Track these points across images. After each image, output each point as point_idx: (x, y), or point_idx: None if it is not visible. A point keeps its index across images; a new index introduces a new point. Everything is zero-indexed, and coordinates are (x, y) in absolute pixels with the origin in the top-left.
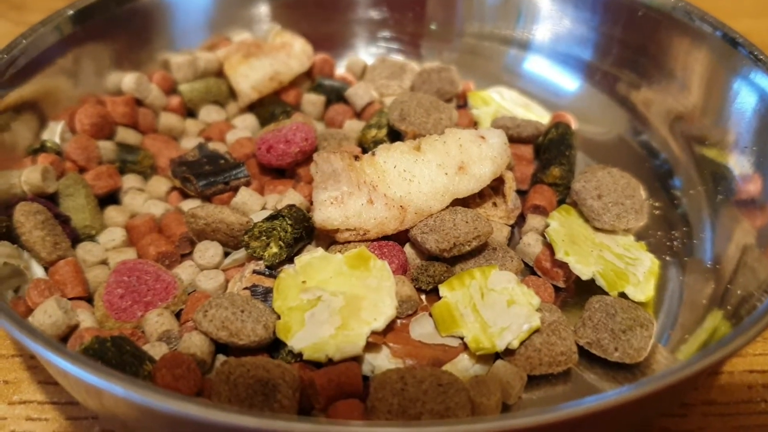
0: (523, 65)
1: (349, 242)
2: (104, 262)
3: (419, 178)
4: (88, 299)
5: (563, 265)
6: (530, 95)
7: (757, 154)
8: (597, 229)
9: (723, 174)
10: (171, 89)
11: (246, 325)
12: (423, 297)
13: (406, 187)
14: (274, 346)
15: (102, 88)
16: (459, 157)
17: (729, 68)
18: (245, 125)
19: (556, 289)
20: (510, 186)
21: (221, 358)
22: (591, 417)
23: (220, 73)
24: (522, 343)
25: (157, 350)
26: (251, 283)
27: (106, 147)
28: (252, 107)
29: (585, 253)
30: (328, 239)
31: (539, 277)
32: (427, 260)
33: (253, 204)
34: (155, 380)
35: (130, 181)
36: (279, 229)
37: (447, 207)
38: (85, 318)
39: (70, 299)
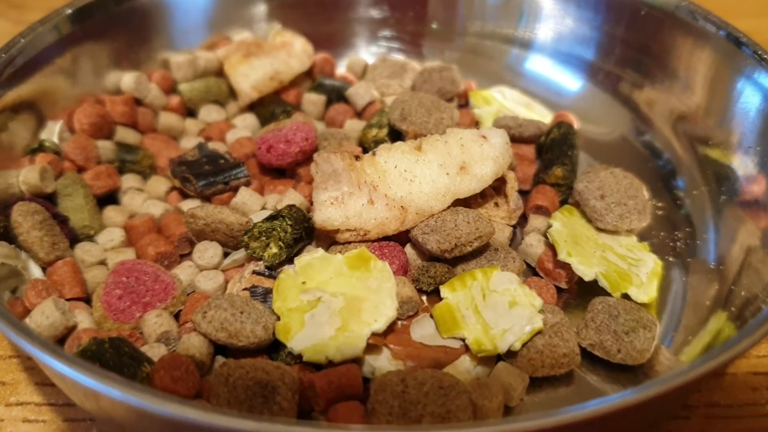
0: (525, 64)
1: (350, 243)
2: (103, 263)
3: (420, 178)
4: (87, 300)
5: (566, 266)
6: (532, 95)
7: (761, 155)
8: (600, 230)
9: (726, 174)
10: (170, 89)
11: (245, 326)
12: (424, 298)
13: (407, 188)
14: (273, 347)
15: (101, 87)
16: (460, 157)
17: (733, 68)
18: (245, 125)
19: (559, 290)
20: (512, 186)
21: (220, 359)
22: (594, 420)
23: (220, 73)
24: (524, 344)
25: (155, 351)
26: (251, 284)
27: (105, 147)
28: (252, 107)
29: (587, 253)
30: (329, 240)
31: (541, 278)
32: (428, 261)
33: (252, 204)
34: (153, 382)
35: (129, 180)
36: (279, 229)
37: (448, 207)
38: (83, 319)
39: (68, 300)
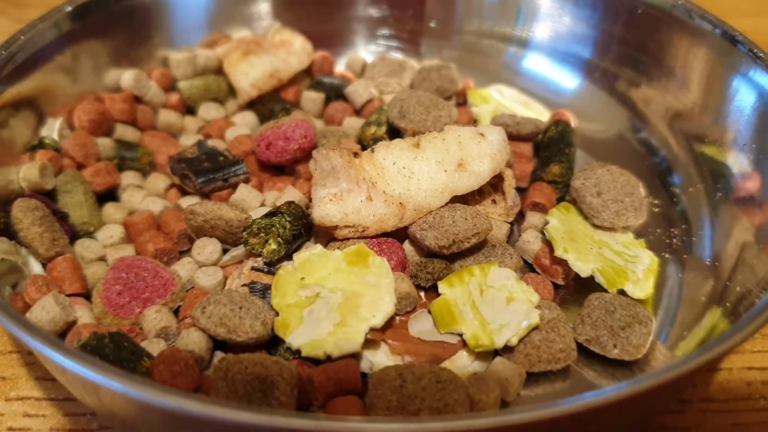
0: (522, 63)
1: (348, 239)
2: (102, 259)
3: (418, 175)
4: (86, 296)
5: (562, 263)
6: (530, 93)
7: (756, 152)
8: (596, 227)
9: (722, 171)
10: (170, 86)
11: (244, 321)
12: (422, 294)
13: (405, 184)
14: (272, 342)
15: (101, 84)
16: (458, 155)
17: (728, 66)
18: (244, 122)
19: (556, 286)
20: (509, 183)
21: (219, 354)
22: (589, 413)
23: (219, 71)
24: (521, 340)
25: (155, 347)
26: (250, 280)
27: (104, 144)
28: (251, 104)
29: (584, 250)
30: (327, 236)
31: (538, 274)
32: (426, 257)
33: (252, 201)
34: (153, 377)
35: (128, 178)
36: (278, 225)
37: (446, 204)
38: (83, 314)
39: (68, 295)
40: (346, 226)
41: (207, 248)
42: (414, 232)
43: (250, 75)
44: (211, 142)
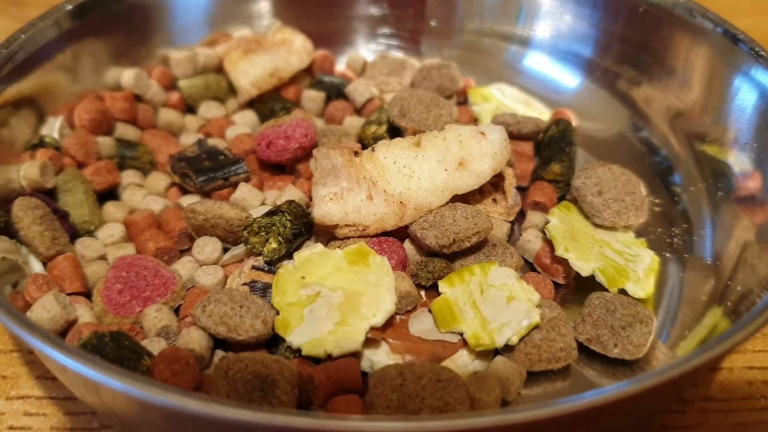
0: (523, 62)
1: (349, 238)
2: (103, 258)
3: (419, 174)
4: (87, 294)
5: (563, 262)
6: (531, 92)
7: (757, 151)
8: (597, 226)
9: (723, 171)
10: (170, 85)
11: (245, 320)
12: (422, 293)
13: (405, 183)
14: (272, 341)
15: (101, 83)
16: (459, 153)
17: (730, 65)
18: (245, 121)
19: (556, 285)
20: (510, 182)
21: (220, 353)
22: (590, 412)
23: (219, 69)
24: (521, 339)
25: (155, 346)
26: (250, 279)
27: (105, 142)
28: (252, 103)
29: (585, 249)
30: (328, 235)
31: (539, 273)
32: (427, 256)
33: (252, 200)
34: (153, 375)
35: (129, 176)
36: (278, 224)
37: (447, 203)
38: (84, 313)
39: (68, 294)
40: (346, 225)
41: (207, 247)
42: (414, 231)
43: (250, 74)
44: (212, 141)
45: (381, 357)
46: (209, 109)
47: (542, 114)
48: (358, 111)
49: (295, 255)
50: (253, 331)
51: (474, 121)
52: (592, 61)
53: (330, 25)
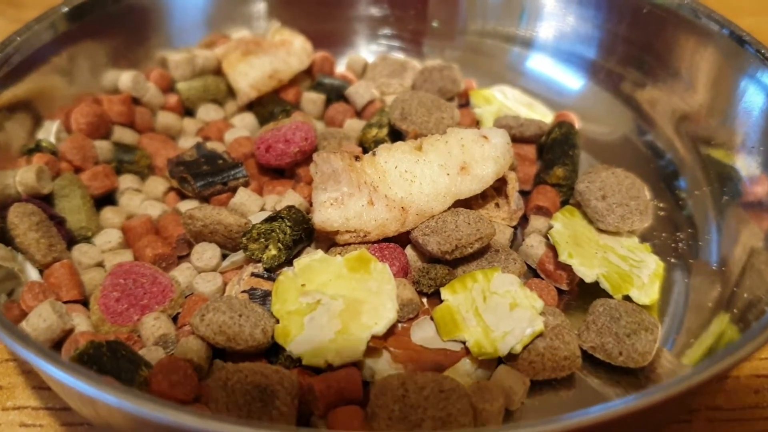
0: (526, 63)
1: (350, 244)
2: (100, 265)
3: (421, 178)
4: (84, 302)
5: (567, 268)
6: (533, 94)
7: (764, 155)
8: (601, 231)
9: (729, 175)
10: (168, 88)
11: (244, 329)
12: (424, 300)
13: (407, 188)
14: (272, 350)
15: (98, 86)
16: (461, 158)
17: (736, 67)
18: (244, 124)
19: (560, 291)
20: (513, 187)
21: (219, 363)
22: (597, 426)
23: (218, 71)
24: (525, 347)
25: (153, 355)
26: (249, 286)
27: (102, 147)
28: (251, 106)
29: (589, 255)
30: (328, 241)
31: (542, 279)
32: (429, 262)
33: (251, 205)
34: (151, 386)
35: (126, 181)
36: (278, 230)
37: (449, 208)
38: (81, 322)
39: (65, 302)
40: (347, 231)
41: (206, 253)
42: (416, 237)
43: (249, 76)
44: (210, 145)
45: (382, 366)
46: (208, 112)
47: (545, 116)
48: (359, 113)
49: (295, 262)
50: (253, 341)
51: (476, 123)
52: (595, 62)
53: (330, 26)
